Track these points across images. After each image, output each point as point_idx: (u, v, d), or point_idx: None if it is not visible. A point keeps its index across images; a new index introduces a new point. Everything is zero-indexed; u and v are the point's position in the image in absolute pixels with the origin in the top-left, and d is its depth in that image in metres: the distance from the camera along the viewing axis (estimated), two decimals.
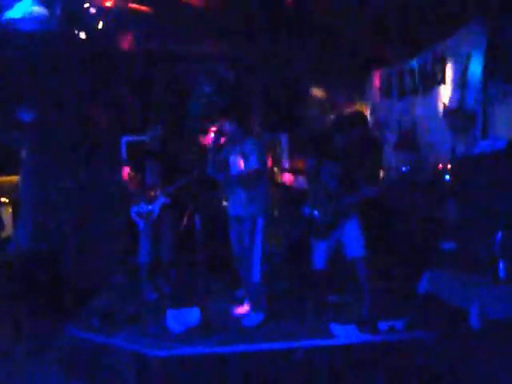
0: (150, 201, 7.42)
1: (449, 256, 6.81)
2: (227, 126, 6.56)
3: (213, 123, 6.75)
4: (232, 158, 6.56)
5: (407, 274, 6.98)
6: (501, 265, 5.55)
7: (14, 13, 8.10)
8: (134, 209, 7.51)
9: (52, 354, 6.47)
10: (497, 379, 4.92)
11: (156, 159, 7.53)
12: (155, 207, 7.41)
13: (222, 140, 6.62)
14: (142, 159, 7.63)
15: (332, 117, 9.80)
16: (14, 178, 9.66)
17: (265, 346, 5.66)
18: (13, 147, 9.20)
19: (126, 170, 7.67)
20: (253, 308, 6.47)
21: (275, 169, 8.84)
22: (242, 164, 6.44)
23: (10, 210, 9.46)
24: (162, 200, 7.39)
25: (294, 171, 9.32)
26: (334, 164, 6.31)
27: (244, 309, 6.72)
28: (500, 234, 5.62)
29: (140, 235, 7.60)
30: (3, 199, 9.41)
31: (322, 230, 6.25)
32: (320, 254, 6.36)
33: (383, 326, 5.85)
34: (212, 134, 6.58)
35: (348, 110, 10.17)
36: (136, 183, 7.58)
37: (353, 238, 6.22)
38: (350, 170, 6.25)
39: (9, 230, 9.44)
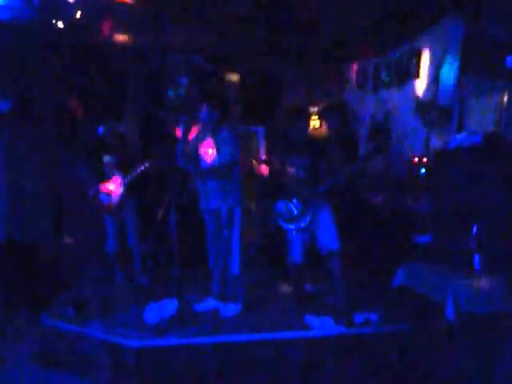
0: (109, 192, 7.51)
1: (424, 249, 6.88)
2: (201, 116, 6.52)
3: (188, 113, 6.70)
4: (204, 149, 6.53)
5: (382, 267, 7.03)
6: (476, 258, 5.63)
7: None
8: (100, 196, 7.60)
9: (27, 344, 6.44)
10: (471, 371, 4.99)
11: (113, 152, 7.60)
12: (114, 198, 7.49)
13: (194, 130, 6.59)
14: (100, 153, 7.70)
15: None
16: None
17: (241, 337, 5.67)
18: None
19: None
20: (230, 299, 6.48)
21: (253, 161, 8.83)
22: (214, 155, 6.42)
23: None
24: (120, 191, 7.47)
25: (270, 163, 9.34)
26: (300, 156, 6.33)
27: (209, 303, 6.72)
28: (475, 227, 5.69)
29: (105, 225, 7.69)
30: None
31: (296, 221, 6.28)
32: (295, 247, 6.38)
33: (358, 318, 5.88)
34: (183, 124, 6.54)
35: (323, 103, 10.26)
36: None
37: (326, 230, 6.22)
38: (315, 160, 6.27)
39: None
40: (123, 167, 7.53)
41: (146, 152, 7.88)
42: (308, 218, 6.15)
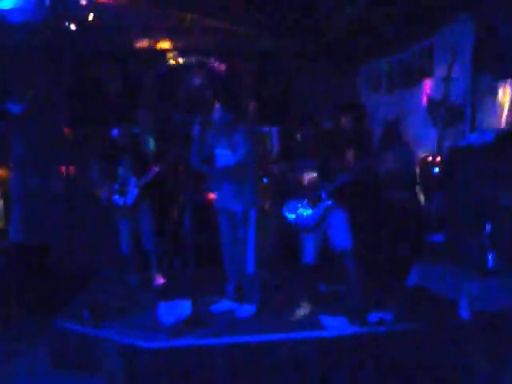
0: (123, 193, 7.53)
1: (437, 248, 6.87)
2: (215, 116, 6.52)
3: (202, 114, 6.69)
4: (219, 150, 6.52)
5: (396, 267, 7.03)
6: (489, 256, 5.63)
7: (3, 4, 8.06)
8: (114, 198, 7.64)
9: (42, 347, 6.47)
10: (485, 370, 4.99)
11: (126, 154, 7.62)
12: (128, 199, 7.51)
13: (209, 131, 6.58)
14: (114, 154, 7.72)
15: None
16: (5, 171, 9.65)
17: (257, 337, 5.68)
18: (2, 139, 9.16)
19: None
20: (245, 300, 6.49)
21: (267, 162, 8.84)
22: (229, 156, 6.41)
23: (2, 202, 9.43)
24: (134, 192, 7.49)
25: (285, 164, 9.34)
26: (312, 156, 6.34)
27: (224, 305, 6.72)
28: (488, 226, 5.69)
29: (118, 227, 7.73)
30: None
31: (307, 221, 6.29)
32: (309, 247, 6.39)
33: (373, 318, 5.88)
34: (198, 125, 6.54)
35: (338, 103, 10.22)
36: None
37: (339, 230, 6.21)
38: (328, 160, 6.27)
39: (1, 222, 9.41)
40: (137, 169, 7.56)
41: (160, 153, 7.86)
42: (319, 218, 6.17)
